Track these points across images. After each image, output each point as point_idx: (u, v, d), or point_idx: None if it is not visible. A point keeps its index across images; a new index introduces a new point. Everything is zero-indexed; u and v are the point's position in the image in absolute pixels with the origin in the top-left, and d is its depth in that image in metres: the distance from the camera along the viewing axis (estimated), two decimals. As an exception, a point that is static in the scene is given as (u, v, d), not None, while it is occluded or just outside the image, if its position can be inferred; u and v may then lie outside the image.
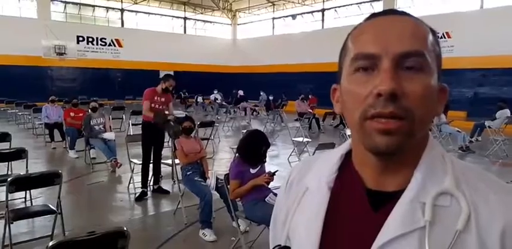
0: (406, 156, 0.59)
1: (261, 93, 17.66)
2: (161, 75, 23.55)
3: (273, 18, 25.39)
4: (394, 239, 0.56)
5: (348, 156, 0.68)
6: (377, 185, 0.62)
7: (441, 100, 0.61)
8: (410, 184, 0.58)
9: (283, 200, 0.75)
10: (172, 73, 23.35)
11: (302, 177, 0.73)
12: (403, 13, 0.61)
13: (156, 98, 4.86)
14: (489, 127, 9.00)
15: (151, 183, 5.08)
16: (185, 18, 25.76)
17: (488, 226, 0.54)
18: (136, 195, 4.83)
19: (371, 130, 0.56)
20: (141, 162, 4.97)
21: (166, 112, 4.88)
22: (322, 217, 0.64)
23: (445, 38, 15.37)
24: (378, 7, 18.81)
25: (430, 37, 0.59)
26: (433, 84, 0.57)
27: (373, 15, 0.62)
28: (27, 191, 4.24)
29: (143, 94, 4.90)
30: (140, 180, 4.92)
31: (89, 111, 6.98)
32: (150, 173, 5.02)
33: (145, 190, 4.87)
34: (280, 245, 0.70)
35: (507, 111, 9.14)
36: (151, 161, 5.01)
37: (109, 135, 6.43)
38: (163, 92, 4.90)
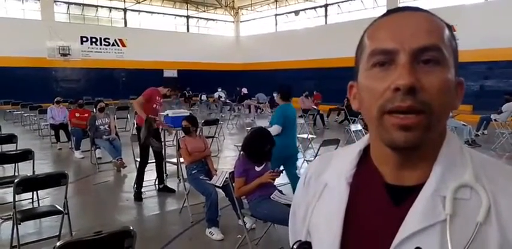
0: (425, 150, 0.59)
1: (258, 93, 17.14)
2: (165, 74, 23.36)
3: (276, 15, 25.30)
4: (416, 233, 0.56)
5: (366, 151, 0.69)
6: (396, 179, 0.62)
7: (459, 94, 0.62)
8: (429, 178, 0.59)
9: (302, 196, 0.76)
10: (175, 72, 23.56)
11: (320, 173, 0.73)
12: (418, 9, 0.61)
13: (157, 98, 4.94)
14: (495, 120, 8.93)
15: (156, 182, 5.10)
16: (188, 17, 25.76)
17: (509, 217, 0.55)
18: (142, 194, 4.82)
19: (389, 126, 0.56)
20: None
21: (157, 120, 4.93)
22: (343, 212, 0.64)
23: (449, 31, 15.22)
24: (382, 2, 18.67)
25: (446, 32, 0.59)
26: (450, 77, 0.57)
27: (389, 12, 0.62)
28: (34, 192, 4.27)
29: (144, 92, 4.92)
30: (141, 180, 4.82)
31: (95, 111, 7.01)
32: (154, 175, 5.03)
33: (140, 192, 4.79)
34: (300, 241, 0.71)
35: (513, 104, 9.05)
36: (154, 162, 5.04)
37: (111, 136, 6.49)
38: (163, 96, 5.05)
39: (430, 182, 0.59)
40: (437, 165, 0.59)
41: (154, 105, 4.91)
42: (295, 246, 0.70)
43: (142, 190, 4.95)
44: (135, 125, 5.08)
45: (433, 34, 0.57)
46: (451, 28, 0.61)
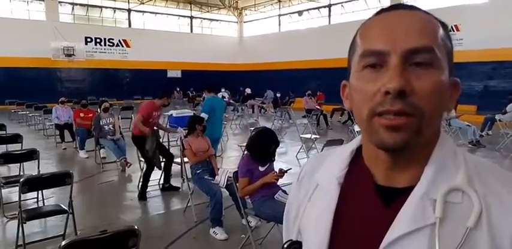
0: (416, 152, 0.58)
1: (267, 91, 17.51)
2: (169, 74, 23.39)
3: (279, 15, 25.28)
4: (404, 235, 0.55)
5: (358, 152, 0.68)
6: (387, 181, 0.62)
7: (453, 96, 0.60)
8: (420, 181, 0.58)
9: (295, 196, 0.76)
10: (179, 72, 23.60)
11: (313, 173, 0.73)
12: (412, 7, 0.59)
13: (154, 113, 5.07)
14: (500, 120, 8.88)
15: (162, 181, 5.13)
16: (191, 17, 25.79)
17: (500, 223, 0.54)
18: (146, 193, 4.85)
19: (378, 126, 0.55)
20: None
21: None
22: (332, 212, 0.64)
23: (453, 31, 15.16)
24: (385, 2, 18.62)
25: (441, 31, 0.58)
26: (443, 79, 0.56)
27: (382, 11, 0.61)
28: (39, 192, 4.30)
29: (140, 107, 5.10)
30: (147, 182, 4.87)
31: (99, 111, 7.04)
32: (158, 174, 5.09)
33: (145, 192, 4.83)
34: (291, 240, 0.71)
35: (518, 104, 9.00)
36: (164, 161, 5.10)
37: (115, 136, 6.52)
38: (162, 107, 5.19)
39: (420, 184, 0.58)
40: (428, 167, 0.58)
41: (151, 120, 5.07)
42: (285, 246, 0.70)
43: (147, 189, 4.98)
44: (132, 135, 5.13)
45: (426, 35, 0.55)
46: (446, 27, 0.59)
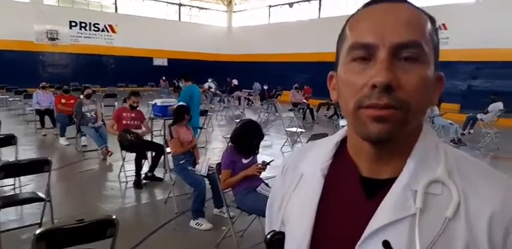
0: (400, 144, 0.60)
1: (254, 83, 17.57)
2: (155, 62, 23.09)
3: (270, 6, 25.10)
4: (386, 225, 0.57)
5: (343, 143, 0.69)
6: (371, 172, 0.63)
7: (437, 90, 0.61)
8: (402, 172, 0.59)
9: (279, 187, 0.76)
10: (165, 60, 23.30)
11: (297, 164, 0.73)
12: (401, 0, 0.59)
13: (125, 114, 5.21)
14: (481, 120, 9.05)
15: (147, 171, 5.09)
16: (180, 5, 25.40)
17: (477, 213, 0.55)
18: (128, 183, 4.84)
19: (365, 118, 0.56)
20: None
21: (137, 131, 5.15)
22: (316, 203, 0.64)
23: (441, 29, 15.32)
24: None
25: (429, 26, 0.58)
26: (429, 74, 0.57)
27: (371, 2, 0.60)
28: (17, 178, 4.20)
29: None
30: (138, 170, 4.90)
31: (81, 97, 6.89)
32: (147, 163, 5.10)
33: (140, 180, 4.85)
34: (274, 231, 0.72)
35: (500, 104, 9.17)
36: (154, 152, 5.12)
37: (97, 124, 6.40)
38: (131, 109, 5.28)
39: (402, 176, 0.59)
40: (410, 159, 0.60)
41: (124, 121, 5.16)
42: (268, 236, 0.71)
43: (128, 179, 4.94)
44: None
45: (414, 29, 0.56)
46: (434, 22, 0.60)
